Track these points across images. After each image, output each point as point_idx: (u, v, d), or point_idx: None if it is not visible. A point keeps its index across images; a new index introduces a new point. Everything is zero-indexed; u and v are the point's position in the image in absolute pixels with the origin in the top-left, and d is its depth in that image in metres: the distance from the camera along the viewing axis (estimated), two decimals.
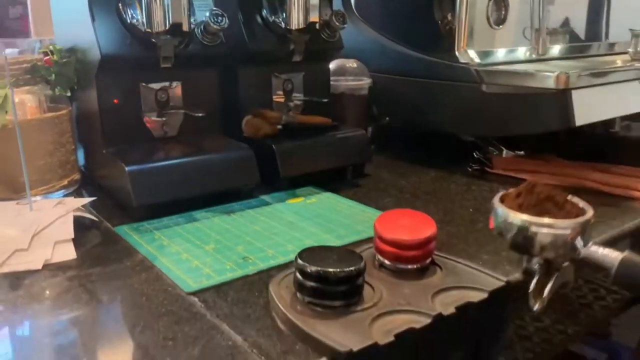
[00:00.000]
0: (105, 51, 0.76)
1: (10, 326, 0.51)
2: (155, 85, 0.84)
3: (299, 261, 0.51)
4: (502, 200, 0.46)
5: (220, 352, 0.46)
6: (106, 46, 0.77)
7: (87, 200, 0.77)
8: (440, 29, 1.02)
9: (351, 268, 0.50)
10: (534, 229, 0.40)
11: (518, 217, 0.41)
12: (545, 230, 0.40)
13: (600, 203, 0.80)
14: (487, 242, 0.67)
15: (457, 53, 0.97)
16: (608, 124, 1.49)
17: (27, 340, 0.49)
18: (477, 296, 0.53)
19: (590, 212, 0.43)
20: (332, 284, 0.50)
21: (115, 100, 0.82)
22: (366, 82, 1.08)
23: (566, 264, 0.43)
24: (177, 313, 0.52)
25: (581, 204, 0.45)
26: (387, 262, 0.57)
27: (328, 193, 0.86)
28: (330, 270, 0.50)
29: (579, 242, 0.41)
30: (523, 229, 0.41)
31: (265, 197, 0.84)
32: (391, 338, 0.46)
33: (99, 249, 0.68)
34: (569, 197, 0.46)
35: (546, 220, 0.41)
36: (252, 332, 0.49)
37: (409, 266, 0.57)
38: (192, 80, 0.87)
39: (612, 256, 0.40)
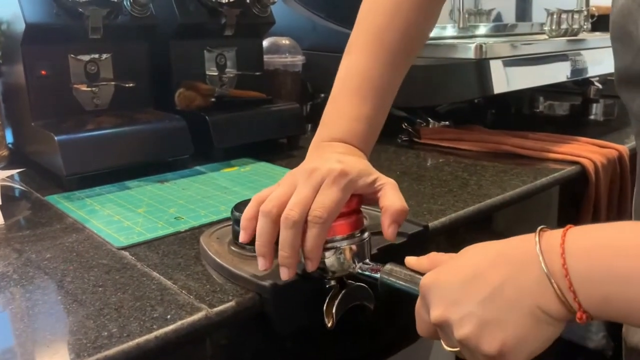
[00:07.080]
0: (29, 20, 0.75)
1: None
2: (85, 57, 0.83)
3: (235, 212, 0.53)
4: None
5: (149, 294, 0.47)
6: (31, 15, 0.76)
7: (15, 171, 0.76)
8: None
9: None
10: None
11: None
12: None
13: (516, 164, 0.86)
14: (410, 197, 0.71)
15: None
16: (533, 104, 1.58)
17: None
18: (398, 239, 0.56)
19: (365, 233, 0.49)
20: None
21: (43, 72, 0.81)
22: (299, 59, 1.10)
23: (358, 284, 0.49)
24: (107, 265, 0.53)
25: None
26: None
27: (262, 162, 0.88)
28: None
29: (355, 259, 0.48)
30: None
31: (199, 168, 0.86)
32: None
33: (29, 215, 0.67)
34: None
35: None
36: (182, 277, 0.50)
37: None
38: (122, 52, 0.87)
39: (375, 269, 0.47)
